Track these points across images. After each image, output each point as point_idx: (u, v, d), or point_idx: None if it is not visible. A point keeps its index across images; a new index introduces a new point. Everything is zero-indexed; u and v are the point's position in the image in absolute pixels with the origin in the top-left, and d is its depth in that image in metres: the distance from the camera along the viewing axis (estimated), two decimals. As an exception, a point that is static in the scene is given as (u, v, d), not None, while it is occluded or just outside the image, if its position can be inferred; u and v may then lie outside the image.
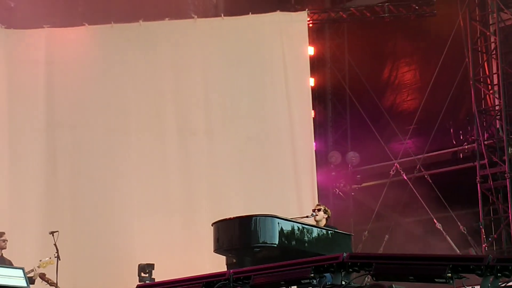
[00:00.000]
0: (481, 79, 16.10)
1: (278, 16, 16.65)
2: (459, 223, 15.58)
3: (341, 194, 17.70)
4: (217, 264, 11.70)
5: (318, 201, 15.40)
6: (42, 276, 12.73)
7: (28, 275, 12.03)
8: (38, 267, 12.63)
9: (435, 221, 15.82)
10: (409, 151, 16.69)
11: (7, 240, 12.79)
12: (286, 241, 10.76)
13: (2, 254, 12.80)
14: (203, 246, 13.67)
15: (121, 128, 16.05)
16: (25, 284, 10.52)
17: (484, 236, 15.23)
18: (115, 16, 16.15)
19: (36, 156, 15.80)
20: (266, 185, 16.03)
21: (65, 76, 16.15)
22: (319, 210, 11.78)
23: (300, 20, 16.76)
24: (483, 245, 15.19)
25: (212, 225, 11.23)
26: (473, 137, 15.91)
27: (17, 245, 13.83)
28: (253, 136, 16.27)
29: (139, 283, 12.89)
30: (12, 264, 12.59)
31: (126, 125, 16.08)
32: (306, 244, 10.97)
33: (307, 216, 11.59)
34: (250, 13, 16.51)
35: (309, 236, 11.05)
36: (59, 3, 16.20)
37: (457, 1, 16.21)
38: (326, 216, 11.78)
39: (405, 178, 16.46)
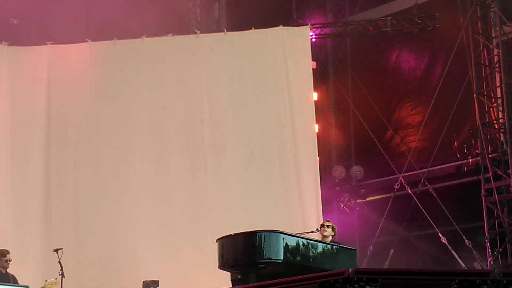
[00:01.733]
0: (485, 92, 16.07)
1: (280, 31, 16.67)
2: (464, 237, 15.53)
3: (345, 208, 17.67)
4: (222, 280, 11.64)
5: (323, 216, 15.40)
6: None
7: None
8: (43, 287, 12.59)
9: (440, 235, 15.76)
10: (413, 165, 16.65)
11: (10, 260, 12.72)
12: (291, 257, 10.72)
13: (6, 270, 12.76)
14: (207, 262, 13.58)
15: (125, 144, 16.04)
16: (29, 302, 10.48)
17: (489, 250, 15.18)
18: (118, 32, 16.18)
19: (39, 174, 15.78)
20: (270, 200, 16.01)
21: (68, 93, 16.16)
22: (328, 226, 11.82)
23: (303, 35, 16.79)
24: (489, 259, 15.13)
25: (216, 241, 11.19)
26: (477, 151, 15.88)
27: (21, 263, 13.79)
28: (256, 151, 16.26)
29: (144, 300, 12.90)
30: (16, 280, 12.57)
31: (129, 141, 16.07)
32: (311, 260, 10.92)
33: (312, 231, 11.57)
34: (252, 28, 16.55)
35: (314, 251, 11.01)
36: (61, 20, 16.22)
37: (460, 15, 16.22)
38: (333, 233, 11.83)
39: (410, 192, 16.43)
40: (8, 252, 12.72)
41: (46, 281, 12.64)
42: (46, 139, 15.95)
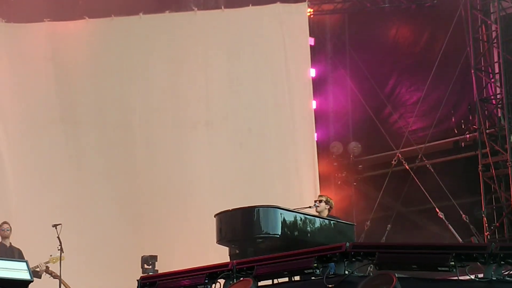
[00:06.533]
0: (483, 67, 16.06)
1: (278, 8, 16.63)
2: (461, 212, 15.59)
3: (343, 184, 17.69)
4: (220, 255, 11.70)
5: (320, 192, 15.42)
6: (46, 269, 12.76)
7: (35, 269, 12.08)
8: (48, 262, 12.65)
9: (437, 210, 15.82)
10: (410, 141, 16.67)
11: (10, 229, 12.80)
12: (288, 232, 10.76)
13: (10, 243, 12.82)
14: (206, 238, 13.65)
15: (122, 121, 16.09)
16: (28, 277, 10.46)
17: (486, 225, 15.24)
18: (115, 9, 16.15)
19: (39, 151, 15.81)
20: (268, 176, 16.05)
21: (65, 70, 16.16)
22: (320, 201, 11.78)
23: (301, 12, 16.75)
24: (485, 234, 15.21)
25: (214, 217, 11.23)
26: (474, 126, 15.90)
27: (23, 239, 13.79)
28: (254, 127, 16.29)
29: (142, 275, 12.92)
30: (21, 253, 12.63)
31: (127, 118, 16.12)
32: (308, 234, 10.98)
33: (309, 207, 11.60)
34: (250, 5, 16.50)
35: (311, 226, 11.06)
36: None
37: (458, -10, 16.18)
38: (328, 207, 11.78)
39: (407, 167, 16.45)
40: (4, 223, 12.78)
41: (51, 255, 12.71)
42: (45, 116, 15.98)
